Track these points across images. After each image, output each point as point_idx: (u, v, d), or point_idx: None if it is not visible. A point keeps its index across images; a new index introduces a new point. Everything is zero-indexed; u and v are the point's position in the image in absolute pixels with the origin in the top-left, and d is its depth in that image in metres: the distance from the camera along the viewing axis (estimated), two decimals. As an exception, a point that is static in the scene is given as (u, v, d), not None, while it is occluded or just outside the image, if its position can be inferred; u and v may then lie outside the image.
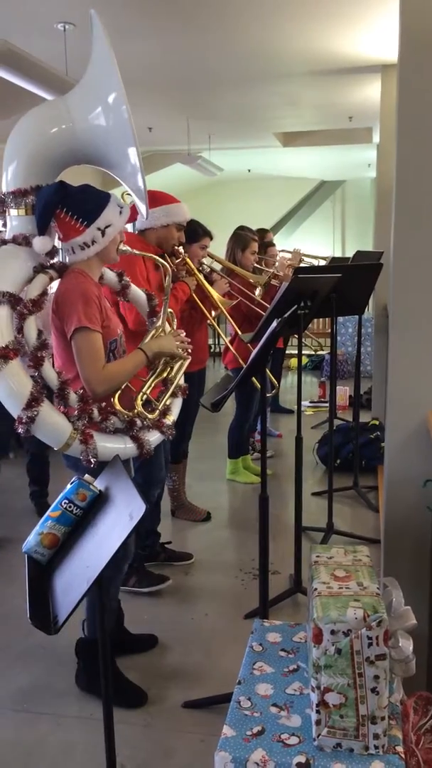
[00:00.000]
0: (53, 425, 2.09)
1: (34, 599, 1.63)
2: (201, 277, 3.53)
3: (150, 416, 2.30)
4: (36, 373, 2.08)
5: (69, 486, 1.77)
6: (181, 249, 3.30)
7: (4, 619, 2.94)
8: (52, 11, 4.39)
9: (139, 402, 2.29)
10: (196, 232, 3.68)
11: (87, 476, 1.83)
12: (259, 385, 2.56)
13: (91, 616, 2.40)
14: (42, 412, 2.06)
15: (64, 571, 1.66)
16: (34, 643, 2.71)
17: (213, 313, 3.69)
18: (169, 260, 3.10)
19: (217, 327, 3.84)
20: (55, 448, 2.15)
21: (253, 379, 2.83)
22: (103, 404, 2.19)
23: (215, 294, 3.62)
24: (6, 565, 3.48)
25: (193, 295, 3.49)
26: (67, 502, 1.75)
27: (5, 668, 2.60)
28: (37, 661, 2.63)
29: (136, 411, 2.27)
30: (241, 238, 4.44)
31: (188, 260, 3.40)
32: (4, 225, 2.30)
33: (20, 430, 2.06)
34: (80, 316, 2.13)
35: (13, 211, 2.24)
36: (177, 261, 3.33)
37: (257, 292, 4.30)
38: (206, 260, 3.82)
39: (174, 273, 3.21)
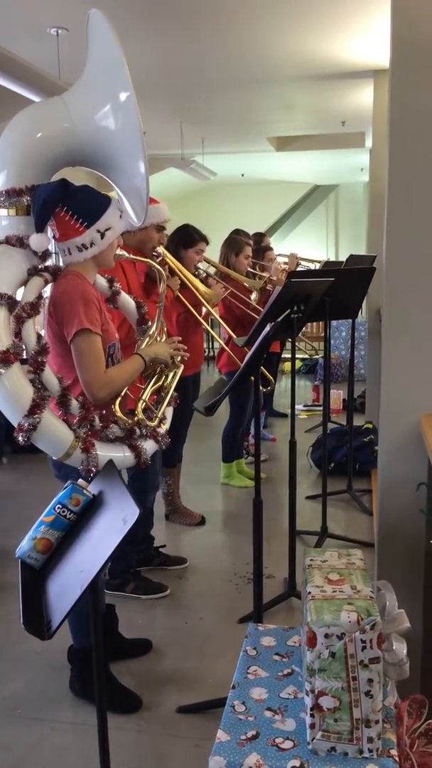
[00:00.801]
0: (55, 433, 2.03)
1: (27, 604, 1.62)
2: (189, 275, 3.50)
3: (150, 424, 2.27)
4: (36, 379, 2.02)
5: (62, 490, 1.77)
6: (160, 249, 3.24)
7: (-3, 625, 2.94)
8: (45, 16, 4.40)
9: (139, 409, 2.27)
10: (192, 237, 3.67)
11: (81, 481, 1.82)
12: (256, 387, 2.55)
13: (75, 625, 2.37)
14: (44, 420, 1.99)
15: (58, 576, 1.65)
16: (28, 649, 2.70)
17: (204, 310, 3.67)
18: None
19: (211, 330, 3.84)
20: (55, 458, 2.10)
21: (250, 378, 2.83)
22: (104, 411, 2.16)
23: (201, 287, 3.60)
24: (-1, 570, 3.47)
25: (181, 296, 3.48)
26: (60, 506, 1.74)
27: (-1, 674, 2.59)
28: (31, 667, 2.62)
29: (136, 418, 2.24)
30: (234, 242, 4.45)
31: (168, 260, 3.35)
32: None
33: (20, 439, 1.99)
34: (81, 318, 2.10)
35: (3, 211, 2.18)
36: (157, 260, 3.29)
37: (253, 296, 4.31)
38: (202, 265, 3.82)
39: (154, 275, 3.18)
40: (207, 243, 3.77)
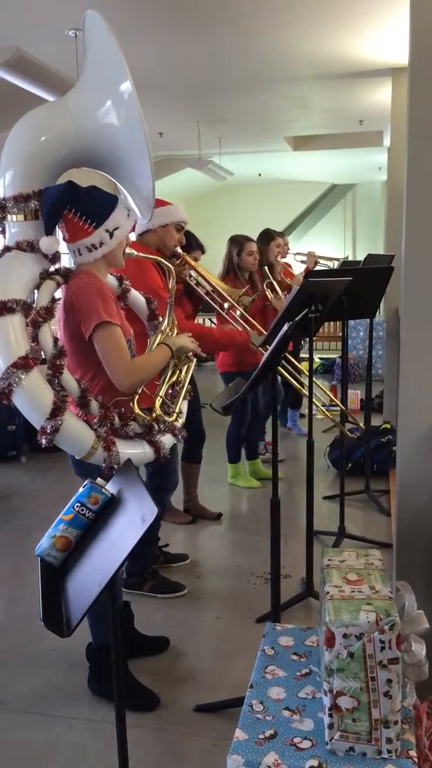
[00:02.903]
0: (78, 434, 2.08)
1: (46, 602, 1.64)
2: (209, 275, 3.50)
3: (169, 419, 2.30)
4: (55, 382, 2.06)
5: (81, 489, 1.78)
6: (179, 250, 3.24)
7: (17, 622, 2.96)
8: (62, 18, 4.42)
9: (157, 405, 2.30)
10: (189, 244, 3.67)
11: (99, 479, 1.83)
12: (273, 388, 2.54)
13: (93, 622, 2.39)
14: (66, 422, 2.04)
15: (77, 574, 1.66)
16: (47, 646, 2.71)
17: (226, 305, 3.66)
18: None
19: (242, 323, 3.77)
20: (78, 457, 2.14)
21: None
22: (122, 409, 2.20)
23: (224, 286, 3.59)
24: (19, 567, 3.50)
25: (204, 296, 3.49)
26: (79, 505, 1.75)
27: (18, 670, 2.61)
28: (50, 664, 2.64)
29: (155, 414, 2.27)
30: (236, 241, 4.44)
31: (187, 260, 3.35)
32: (2, 231, 2.26)
33: (43, 441, 2.03)
34: (100, 312, 2.13)
35: (12, 217, 2.20)
36: (177, 262, 3.28)
37: (237, 313, 4.27)
38: (193, 273, 3.82)
39: (177, 275, 3.19)
40: (203, 252, 3.79)
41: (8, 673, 2.60)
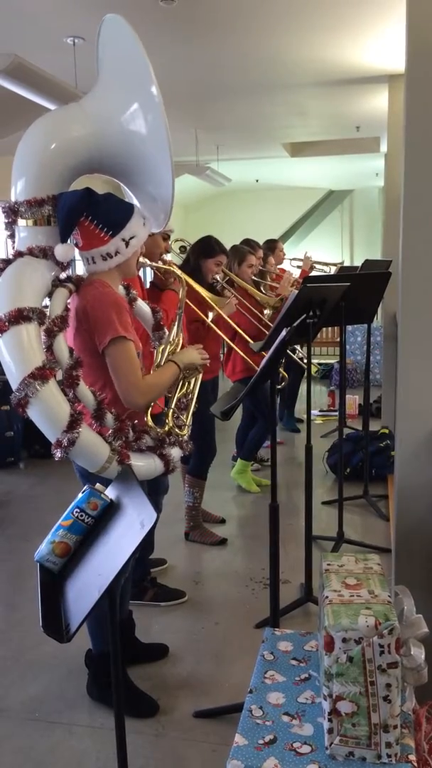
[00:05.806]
0: (94, 447, 2.03)
1: (46, 608, 1.63)
2: (193, 282, 3.50)
3: (182, 433, 2.27)
4: (71, 394, 2.01)
5: (80, 495, 1.78)
6: (167, 257, 3.23)
7: (16, 628, 2.95)
8: (61, 26, 4.44)
9: (170, 418, 2.27)
10: (212, 249, 3.66)
11: (98, 485, 1.83)
12: (272, 393, 2.54)
13: (94, 629, 2.38)
14: (82, 435, 1.99)
15: (76, 580, 1.66)
16: (46, 652, 2.71)
17: (211, 315, 3.65)
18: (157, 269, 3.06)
19: (225, 337, 3.82)
20: (92, 471, 2.08)
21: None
22: (136, 422, 2.17)
23: (207, 293, 3.59)
24: (18, 573, 3.49)
25: (192, 304, 3.48)
26: (78, 510, 1.76)
27: (17, 676, 2.61)
28: (50, 670, 2.63)
29: (167, 428, 2.24)
30: (238, 251, 4.44)
31: (174, 268, 3.35)
32: (11, 236, 2.21)
33: (58, 454, 1.98)
34: (116, 325, 2.07)
35: (22, 222, 2.15)
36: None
37: (266, 312, 4.30)
38: (219, 277, 3.83)
39: (163, 282, 3.20)
40: (227, 256, 3.78)
41: (8, 679, 2.59)
